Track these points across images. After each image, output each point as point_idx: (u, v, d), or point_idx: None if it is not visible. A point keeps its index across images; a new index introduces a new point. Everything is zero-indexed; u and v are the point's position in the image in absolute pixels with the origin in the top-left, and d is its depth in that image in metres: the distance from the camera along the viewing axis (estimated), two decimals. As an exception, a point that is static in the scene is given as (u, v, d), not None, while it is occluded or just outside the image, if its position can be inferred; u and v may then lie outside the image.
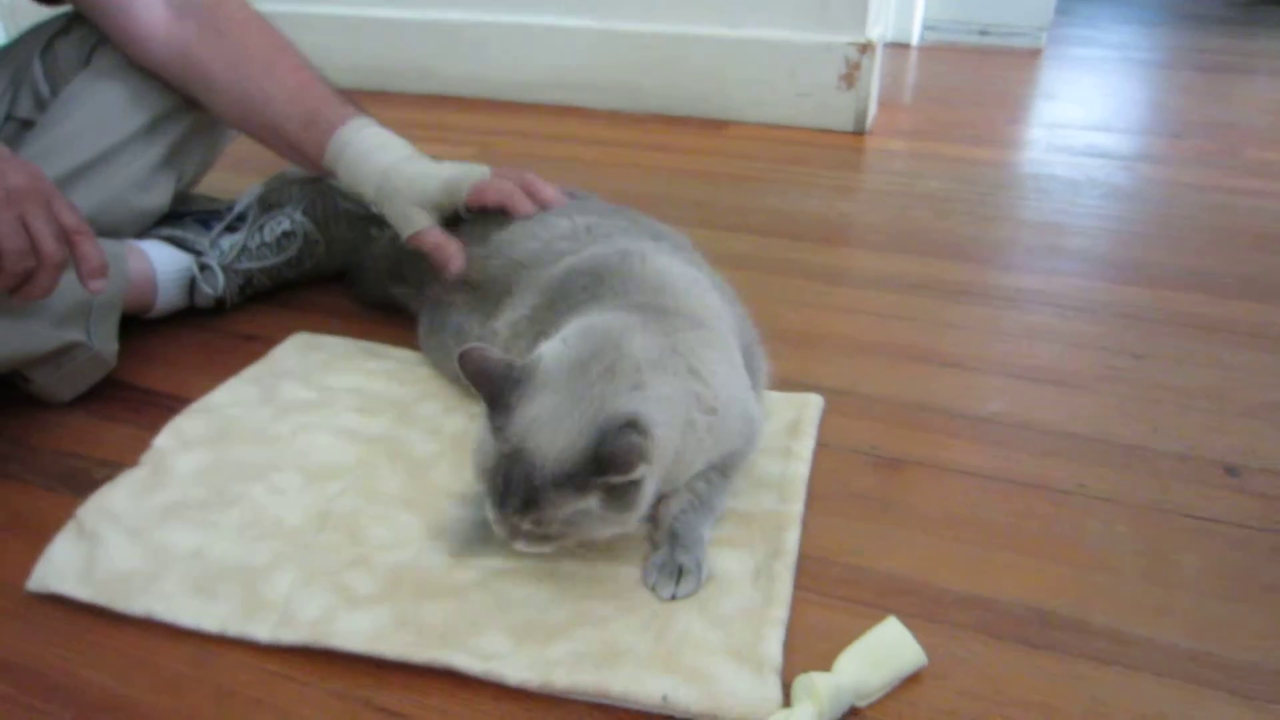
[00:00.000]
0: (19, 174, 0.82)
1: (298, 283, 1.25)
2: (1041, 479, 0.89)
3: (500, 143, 1.99)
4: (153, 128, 1.11)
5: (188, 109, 1.13)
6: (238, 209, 1.19)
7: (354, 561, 0.75)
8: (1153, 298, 1.27)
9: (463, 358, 0.70)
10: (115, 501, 0.81)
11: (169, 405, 0.97)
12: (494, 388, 0.69)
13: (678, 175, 1.80)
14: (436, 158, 1.05)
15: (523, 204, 0.99)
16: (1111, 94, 2.68)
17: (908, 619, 0.68)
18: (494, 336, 0.89)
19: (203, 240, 1.15)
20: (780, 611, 0.70)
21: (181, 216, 1.18)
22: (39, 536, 0.78)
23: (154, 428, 0.92)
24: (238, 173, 1.35)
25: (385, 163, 1.02)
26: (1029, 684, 0.66)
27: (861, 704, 0.64)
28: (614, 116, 2.21)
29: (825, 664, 0.65)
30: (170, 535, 0.78)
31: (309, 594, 0.71)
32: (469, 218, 1.02)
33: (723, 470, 0.80)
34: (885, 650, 0.65)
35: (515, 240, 0.96)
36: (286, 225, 1.20)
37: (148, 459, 0.87)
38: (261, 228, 1.19)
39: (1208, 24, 3.99)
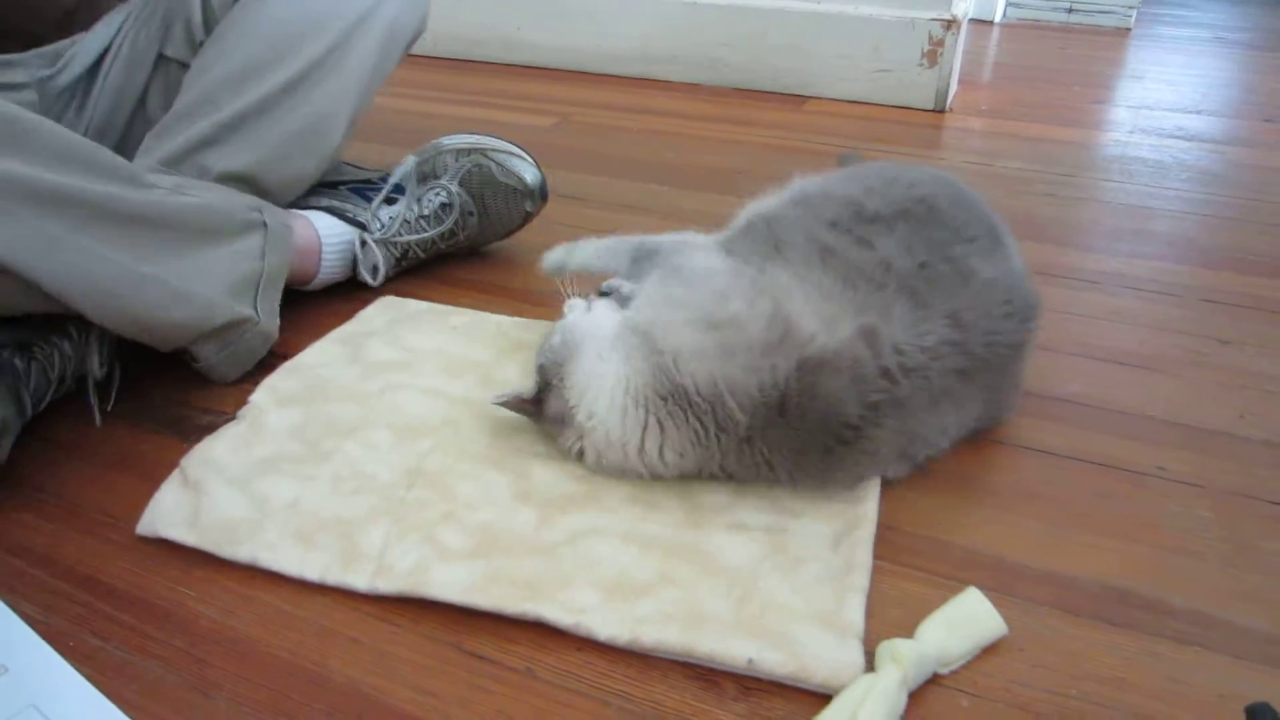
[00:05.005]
0: None
1: (449, 255, 1.25)
2: (1120, 460, 0.88)
3: (582, 114, 2.01)
4: (310, 72, 1.07)
5: (347, 42, 1.09)
6: (394, 180, 1.19)
7: (444, 517, 0.77)
8: (1241, 284, 1.25)
9: None
10: (216, 453, 0.85)
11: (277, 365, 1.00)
12: None
13: (757, 150, 1.80)
14: None
15: None
16: (1201, 76, 2.61)
17: (984, 593, 0.69)
18: None
19: (364, 213, 1.14)
20: (861, 579, 0.71)
21: (335, 186, 1.18)
22: (147, 477, 0.83)
23: (259, 382, 0.96)
24: (387, 143, 1.37)
25: None
26: (1105, 660, 0.67)
27: (943, 671, 0.65)
28: (695, 89, 2.22)
29: (901, 630, 0.66)
30: (270, 487, 0.81)
31: (403, 547, 0.74)
32: None
33: None
34: (967, 619, 0.66)
35: None
36: (444, 197, 1.19)
37: (245, 414, 0.91)
38: (420, 199, 1.18)
39: (1305, 4, 3.86)
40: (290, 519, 0.77)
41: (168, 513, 0.78)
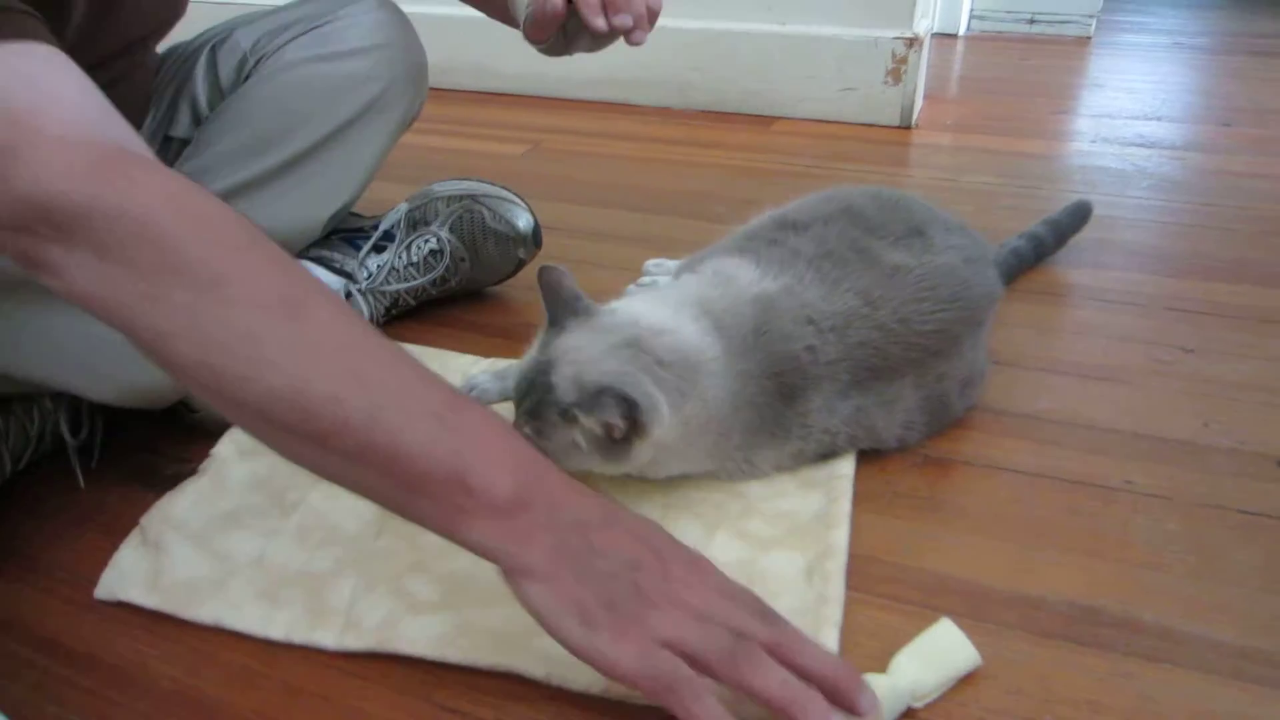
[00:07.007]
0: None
1: (441, 300, 1.23)
2: (1089, 476, 0.89)
3: (553, 140, 2.01)
4: (313, 151, 1.07)
5: (353, 127, 1.09)
6: (383, 227, 1.18)
7: (412, 567, 0.77)
8: (1203, 290, 1.26)
9: (542, 272, 0.84)
10: (178, 510, 0.84)
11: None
12: (559, 310, 0.82)
13: (726, 172, 1.81)
14: None
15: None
16: (1161, 82, 2.64)
17: (956, 618, 0.69)
18: None
19: (351, 262, 1.13)
20: (835, 611, 0.71)
21: (327, 235, 1.16)
22: (110, 532, 0.82)
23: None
24: (387, 183, 1.35)
25: None
26: (1078, 682, 0.67)
27: (917, 705, 0.64)
28: (663, 113, 2.23)
29: (875, 662, 0.66)
30: (233, 543, 0.80)
31: (371, 601, 0.73)
32: None
33: None
34: (941, 651, 0.66)
35: None
36: (434, 244, 1.17)
37: (207, 467, 0.90)
38: (409, 247, 1.16)
39: (1259, 6, 3.90)
40: (255, 576, 0.76)
41: (127, 574, 0.77)
